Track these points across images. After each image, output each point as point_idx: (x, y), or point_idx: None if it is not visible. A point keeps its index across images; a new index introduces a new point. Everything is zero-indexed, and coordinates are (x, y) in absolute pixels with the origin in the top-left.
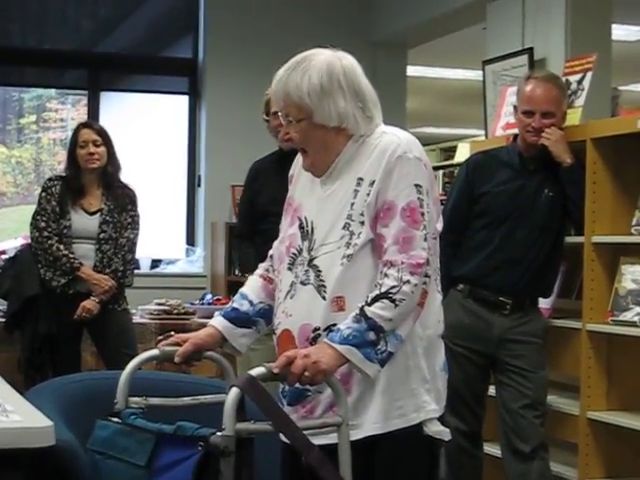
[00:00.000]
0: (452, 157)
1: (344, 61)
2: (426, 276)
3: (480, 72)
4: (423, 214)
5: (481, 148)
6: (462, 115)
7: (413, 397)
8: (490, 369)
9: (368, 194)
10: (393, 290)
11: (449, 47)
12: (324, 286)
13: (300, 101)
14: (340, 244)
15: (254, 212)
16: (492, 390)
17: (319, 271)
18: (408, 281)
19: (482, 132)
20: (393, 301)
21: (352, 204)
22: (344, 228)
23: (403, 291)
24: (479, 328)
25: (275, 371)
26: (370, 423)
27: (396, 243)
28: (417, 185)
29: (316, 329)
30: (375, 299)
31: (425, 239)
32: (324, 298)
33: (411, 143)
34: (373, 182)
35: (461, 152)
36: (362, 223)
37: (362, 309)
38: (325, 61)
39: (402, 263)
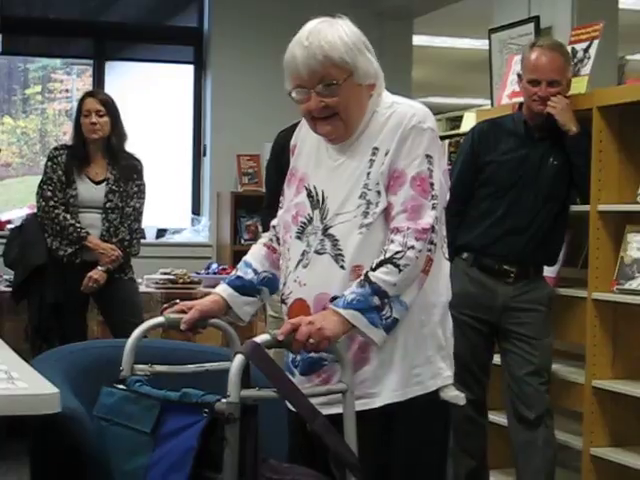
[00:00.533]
0: (458, 127)
1: (352, 24)
2: (432, 243)
3: (486, 41)
4: (432, 184)
5: (487, 117)
6: (468, 84)
7: (430, 364)
8: (495, 337)
9: (383, 163)
10: (397, 255)
11: (455, 16)
12: (342, 255)
13: (341, 60)
14: (357, 213)
15: (280, 182)
16: (497, 359)
17: (336, 240)
18: (412, 246)
19: (488, 101)
20: (397, 266)
21: (368, 173)
22: (361, 197)
23: (407, 256)
24: (484, 296)
25: (280, 338)
26: (389, 391)
27: (405, 211)
28: (428, 156)
29: (334, 298)
30: (379, 264)
31: (433, 208)
32: (342, 267)
33: (426, 114)
34: (388, 152)
35: (467, 122)
36: (378, 192)
37: (366, 274)
38: (343, 23)
39: (408, 229)
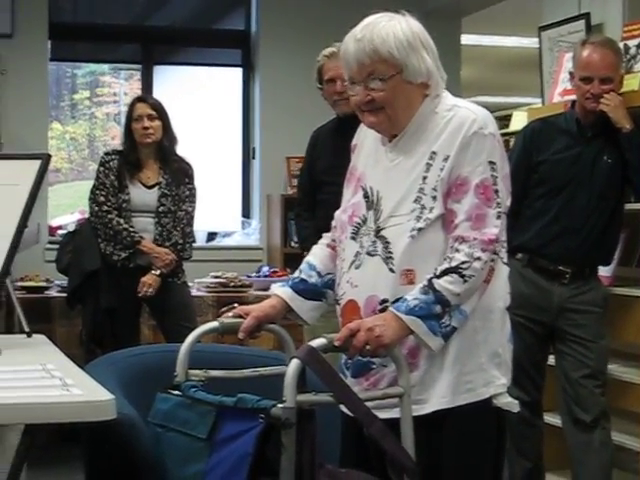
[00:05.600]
0: (507, 126)
1: (415, 21)
2: (495, 253)
3: (535, 39)
4: (496, 191)
5: (538, 115)
6: (517, 83)
7: (482, 372)
8: (549, 339)
9: (442, 169)
10: (464, 265)
11: (503, 14)
12: (392, 258)
13: (390, 56)
14: (410, 217)
15: (312, 181)
16: (552, 360)
17: (387, 242)
18: (479, 258)
19: (537, 100)
20: (462, 276)
21: (424, 178)
22: (415, 201)
23: (473, 267)
24: (538, 297)
25: (337, 343)
26: (438, 397)
27: (469, 219)
28: (491, 162)
29: (384, 301)
30: (444, 272)
31: (497, 217)
32: (392, 270)
33: (487, 118)
34: (447, 157)
35: (516, 120)
36: (434, 198)
37: (430, 281)
38: (401, 19)
39: (474, 239)
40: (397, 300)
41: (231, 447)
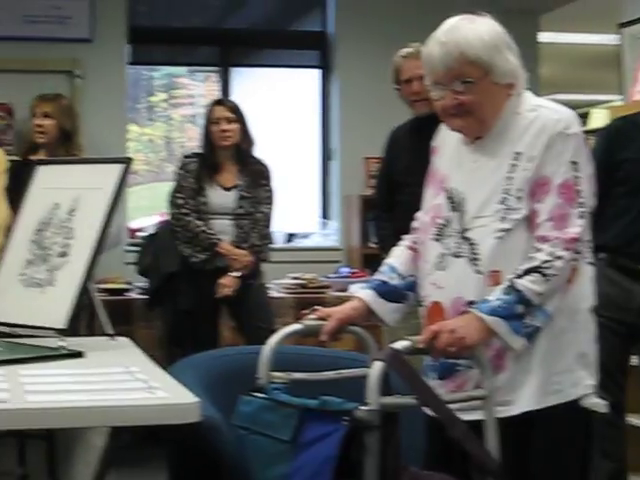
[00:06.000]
0: (585, 123)
1: (494, 21)
2: (578, 253)
3: (614, 36)
4: (579, 192)
5: (619, 113)
6: (595, 81)
7: (570, 372)
8: (632, 339)
9: (527, 170)
10: (545, 265)
11: (581, 12)
12: (478, 259)
13: (477, 59)
14: (495, 218)
15: (390, 182)
16: (634, 360)
17: (473, 244)
18: (561, 257)
19: (615, 97)
20: (545, 275)
21: (509, 178)
22: (500, 202)
23: (555, 266)
24: (621, 297)
25: (420, 346)
26: (526, 399)
27: (551, 219)
28: (574, 162)
29: (470, 303)
30: (526, 272)
31: (580, 216)
32: (478, 272)
33: (571, 118)
34: (532, 158)
35: (595, 118)
36: (519, 198)
37: (512, 281)
38: (484, 21)
39: (556, 238)
40: None
41: (315, 450)
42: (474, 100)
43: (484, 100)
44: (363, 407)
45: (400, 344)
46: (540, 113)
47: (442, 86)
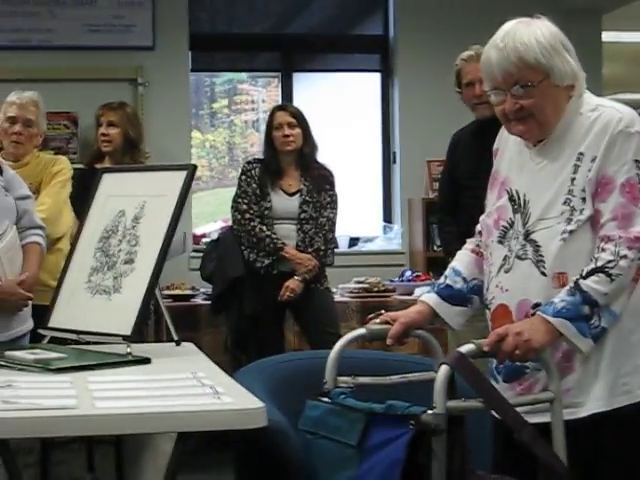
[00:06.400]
0: None
1: (551, 23)
2: None
3: None
4: None
5: None
6: None
7: (638, 373)
8: None
9: (590, 170)
10: (610, 264)
11: None
12: (543, 261)
13: (536, 62)
14: (560, 219)
15: (453, 185)
16: None
17: (538, 246)
18: (625, 256)
19: None
20: (609, 275)
21: (573, 179)
22: (565, 203)
23: (620, 266)
24: None
25: (485, 349)
26: (595, 400)
27: (615, 219)
28: (637, 161)
29: (536, 305)
30: (591, 273)
31: None
32: (544, 274)
33: (633, 117)
34: (595, 158)
35: None
36: (584, 199)
37: (577, 282)
38: (540, 24)
39: (620, 238)
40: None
41: (382, 454)
42: (535, 103)
43: (545, 103)
44: (430, 411)
45: (465, 347)
46: (601, 112)
47: (501, 91)
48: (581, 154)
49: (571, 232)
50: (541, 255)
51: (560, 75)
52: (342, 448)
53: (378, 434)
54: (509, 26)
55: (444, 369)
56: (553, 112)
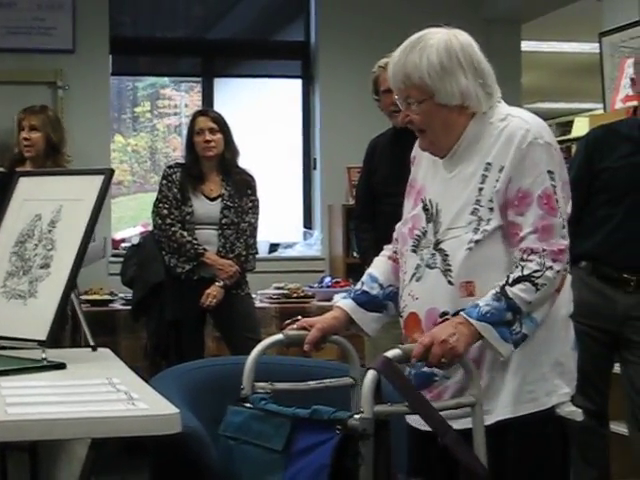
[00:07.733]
0: (568, 132)
1: (460, 38)
2: (566, 263)
3: (595, 45)
4: (558, 200)
5: (600, 122)
6: (578, 89)
7: (544, 381)
8: (615, 347)
9: (497, 180)
10: (536, 274)
11: (563, 20)
12: (450, 270)
13: (421, 82)
14: (468, 229)
15: (370, 192)
16: (617, 368)
17: (446, 255)
18: (551, 267)
19: (598, 106)
20: (535, 285)
21: (480, 189)
22: (472, 213)
23: (546, 276)
24: (602, 305)
25: (413, 361)
26: (501, 407)
27: (535, 231)
28: (550, 172)
29: (444, 313)
30: (517, 280)
31: (563, 226)
32: (450, 282)
33: (540, 128)
34: (502, 168)
35: (578, 127)
36: (491, 209)
37: (503, 288)
38: (442, 39)
39: (543, 250)
40: (459, 312)
41: (308, 459)
42: (421, 120)
43: (430, 120)
44: (357, 415)
45: (391, 352)
46: (509, 122)
47: (400, 102)
48: (489, 164)
49: (477, 242)
50: (449, 264)
51: (445, 96)
52: (267, 453)
53: (303, 439)
54: (412, 38)
55: (371, 374)
56: (442, 130)
